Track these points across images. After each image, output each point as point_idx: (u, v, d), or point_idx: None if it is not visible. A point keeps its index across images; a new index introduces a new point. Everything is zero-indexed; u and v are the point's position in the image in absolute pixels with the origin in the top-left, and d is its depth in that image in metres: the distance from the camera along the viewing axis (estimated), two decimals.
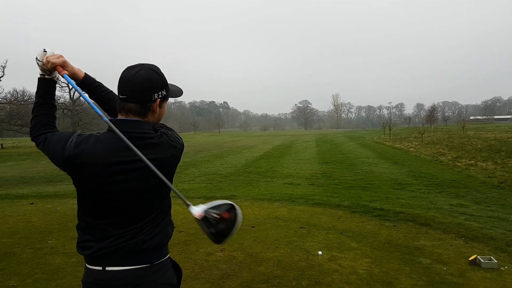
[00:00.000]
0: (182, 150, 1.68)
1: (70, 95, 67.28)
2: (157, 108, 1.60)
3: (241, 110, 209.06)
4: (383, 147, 29.66)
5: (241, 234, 5.57)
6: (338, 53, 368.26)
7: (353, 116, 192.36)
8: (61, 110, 64.39)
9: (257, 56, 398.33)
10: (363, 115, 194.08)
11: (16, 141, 55.04)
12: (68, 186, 11.25)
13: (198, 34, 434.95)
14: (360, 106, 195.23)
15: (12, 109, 48.09)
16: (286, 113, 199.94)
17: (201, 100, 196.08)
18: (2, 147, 40.03)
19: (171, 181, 1.60)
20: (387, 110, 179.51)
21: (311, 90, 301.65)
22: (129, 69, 1.56)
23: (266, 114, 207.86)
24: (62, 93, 68.33)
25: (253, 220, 6.36)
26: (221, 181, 12.35)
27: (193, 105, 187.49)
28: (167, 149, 1.58)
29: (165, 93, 1.62)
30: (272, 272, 4.15)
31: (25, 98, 52.85)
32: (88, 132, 1.59)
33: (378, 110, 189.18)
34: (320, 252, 4.66)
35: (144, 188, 1.53)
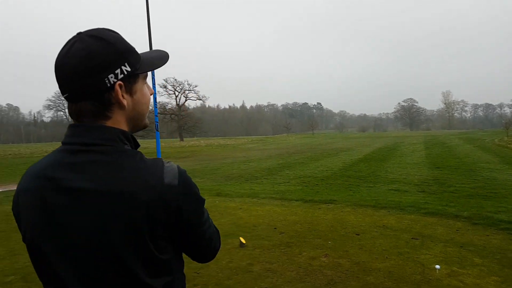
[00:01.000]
0: (171, 197, 0.92)
1: (176, 102, 73.90)
2: (121, 97, 0.96)
3: (336, 110, 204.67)
4: (506, 150, 26.08)
5: (345, 241, 5.43)
6: (447, 45, 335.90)
7: (468, 115, 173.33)
8: (169, 115, 71.12)
9: (353, 54, 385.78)
10: (480, 114, 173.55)
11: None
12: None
13: (289, 34, 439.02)
14: (476, 104, 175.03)
15: None
16: (387, 113, 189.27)
17: (294, 102, 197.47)
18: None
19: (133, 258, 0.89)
20: (510, 108, 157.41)
21: (416, 87, 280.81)
22: (62, 48, 0.95)
23: (364, 114, 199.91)
24: (169, 100, 75.60)
25: (357, 227, 6.15)
26: (317, 184, 12.22)
27: (285, 107, 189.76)
28: (126, 179, 0.89)
29: (128, 69, 0.96)
30: (383, 283, 3.95)
31: None
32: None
33: (499, 109, 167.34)
34: (437, 266, 4.27)
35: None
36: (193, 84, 76.58)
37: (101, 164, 0.90)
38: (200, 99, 78.35)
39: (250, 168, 17.67)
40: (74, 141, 0.93)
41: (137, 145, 1.04)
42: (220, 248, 1.18)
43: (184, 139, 74.23)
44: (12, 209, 1.00)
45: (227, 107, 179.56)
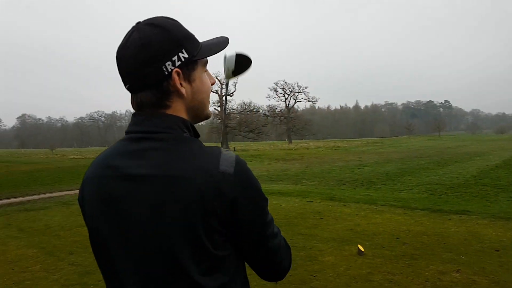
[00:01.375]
0: (230, 185, 0.88)
1: (285, 104, 75.45)
2: (179, 85, 0.95)
3: (467, 109, 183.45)
4: None
5: (481, 256, 4.84)
6: None
7: None
8: (278, 118, 72.98)
9: (488, 46, 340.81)
10: None
11: (243, 145, 65.69)
12: (288, 186, 12.56)
13: (413, 29, 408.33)
14: None
15: (241, 118, 57.80)
16: None
17: (416, 101, 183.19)
18: (235, 150, 48.55)
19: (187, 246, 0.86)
20: None
21: None
22: (122, 40, 0.97)
23: (503, 113, 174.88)
24: (279, 102, 77.55)
25: (496, 243, 5.42)
26: (446, 192, 11.11)
27: (406, 106, 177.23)
28: (182, 164, 0.88)
29: (186, 56, 0.96)
30: None
31: (251, 108, 62.56)
32: None
33: None
34: None
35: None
36: (303, 86, 77.12)
37: (160, 150, 0.91)
38: (310, 101, 78.67)
39: (365, 172, 17.01)
40: (135, 130, 0.96)
41: (197, 135, 1.02)
42: (290, 264, 1.08)
43: (293, 141, 75.23)
44: (78, 198, 1.03)
45: (339, 107, 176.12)
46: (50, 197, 12.03)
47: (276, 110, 74.55)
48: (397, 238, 5.83)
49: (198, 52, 0.99)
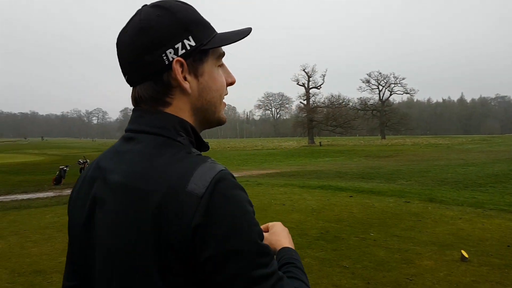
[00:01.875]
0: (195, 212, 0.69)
1: (379, 96, 72.18)
2: (180, 78, 0.81)
3: None
4: None
5: None
6: None
7: None
8: (370, 111, 70.16)
9: None
10: None
11: (330, 140, 64.65)
12: (380, 185, 12.06)
13: None
14: None
15: (328, 112, 56.81)
16: None
17: None
18: (321, 145, 48.05)
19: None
20: None
21: None
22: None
23: None
24: (372, 95, 74.48)
25: None
26: None
27: None
28: (150, 174, 0.75)
29: (193, 44, 0.82)
30: None
31: (340, 101, 61.02)
32: None
33: None
34: None
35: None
36: (400, 76, 72.70)
37: (138, 155, 0.78)
38: (408, 93, 74.18)
39: (470, 172, 15.58)
40: (129, 128, 0.85)
41: (200, 141, 0.87)
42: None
43: (387, 137, 71.76)
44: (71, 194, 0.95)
45: (441, 100, 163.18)
46: None
47: (368, 103, 71.71)
48: (508, 246, 5.29)
49: (209, 40, 0.84)
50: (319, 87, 60.41)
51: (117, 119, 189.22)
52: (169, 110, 0.82)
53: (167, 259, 0.69)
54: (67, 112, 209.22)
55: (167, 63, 0.80)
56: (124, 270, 0.73)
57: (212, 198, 0.69)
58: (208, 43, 0.84)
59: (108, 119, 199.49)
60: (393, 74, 72.81)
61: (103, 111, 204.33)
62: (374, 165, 20.99)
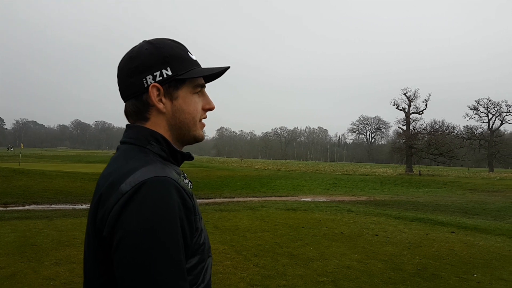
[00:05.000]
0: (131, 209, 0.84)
1: (488, 125, 65.53)
2: (155, 99, 1.01)
3: None
4: None
5: None
6: None
7: None
8: (478, 141, 63.89)
9: None
10: None
11: (431, 169, 60.06)
12: (486, 222, 10.88)
13: None
14: None
15: (430, 139, 52.96)
16: None
17: None
18: (420, 174, 44.94)
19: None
20: None
21: None
22: None
23: None
24: (480, 123, 67.90)
25: None
26: None
27: None
28: (107, 173, 0.96)
29: (170, 73, 1.02)
30: None
31: (444, 129, 56.64)
32: None
33: None
34: None
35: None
36: None
37: (113, 159, 0.99)
38: None
39: None
40: (121, 139, 1.05)
41: (174, 151, 1.03)
42: None
43: (495, 169, 64.39)
44: None
45: None
46: (238, 201, 13.75)
47: (476, 132, 65.40)
48: None
49: (185, 72, 1.03)
50: (421, 113, 56.79)
51: (213, 137, 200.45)
52: (147, 124, 1.03)
53: (101, 245, 0.88)
54: None
55: (146, 86, 1.01)
56: (86, 249, 0.96)
57: (131, 197, 0.83)
58: (183, 74, 1.03)
59: (205, 137, 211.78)
60: (506, 102, 65.53)
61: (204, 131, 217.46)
62: (480, 200, 18.99)
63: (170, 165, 1.00)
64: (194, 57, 1.09)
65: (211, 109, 1.11)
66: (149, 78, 1.01)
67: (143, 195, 0.84)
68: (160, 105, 1.02)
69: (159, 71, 1.01)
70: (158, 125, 1.03)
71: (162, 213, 0.83)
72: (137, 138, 1.01)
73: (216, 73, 1.09)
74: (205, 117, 1.11)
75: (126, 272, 0.80)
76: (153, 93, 1.01)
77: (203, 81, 1.09)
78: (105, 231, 0.85)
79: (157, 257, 0.79)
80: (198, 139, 1.10)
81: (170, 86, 1.02)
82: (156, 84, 1.01)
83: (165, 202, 0.84)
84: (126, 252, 0.80)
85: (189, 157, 1.10)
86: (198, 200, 1.00)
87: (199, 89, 1.07)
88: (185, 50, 1.07)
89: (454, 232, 8.56)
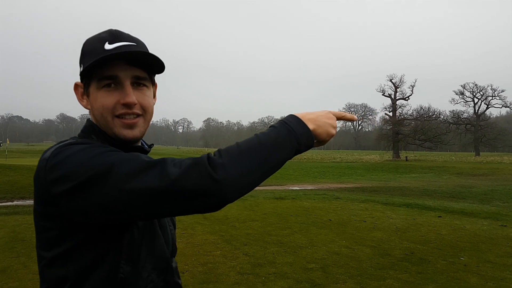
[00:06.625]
0: (43, 176, 0.90)
1: (474, 110, 66.57)
2: (78, 96, 1.07)
3: None
4: None
5: None
6: None
7: None
8: (464, 125, 64.92)
9: None
10: None
11: (417, 155, 60.88)
12: (473, 205, 11.12)
13: None
14: None
15: (416, 125, 53.59)
16: None
17: None
18: (407, 160, 45.50)
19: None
20: None
21: None
22: None
23: None
24: (466, 108, 68.93)
25: None
26: None
27: None
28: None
29: (81, 69, 1.03)
30: None
31: (430, 114, 57.29)
32: None
33: None
34: None
35: None
36: (499, 88, 66.18)
37: None
38: (507, 107, 67.13)
39: None
40: None
41: (111, 140, 1.02)
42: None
43: (481, 153, 65.68)
44: None
45: None
46: None
47: (462, 117, 66.41)
48: None
49: (84, 66, 1.00)
50: (407, 98, 57.27)
51: (200, 128, 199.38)
52: (91, 117, 1.07)
53: (40, 207, 0.93)
54: (157, 121, 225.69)
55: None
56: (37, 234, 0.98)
57: (50, 157, 0.90)
58: (80, 68, 1.03)
59: (192, 128, 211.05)
60: (491, 86, 66.41)
61: (188, 121, 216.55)
62: (466, 184, 19.37)
63: None
64: (112, 46, 0.98)
65: (127, 103, 0.99)
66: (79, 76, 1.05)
67: (61, 151, 0.90)
68: (83, 103, 1.06)
69: (80, 68, 1.03)
70: (93, 120, 1.06)
71: (79, 148, 0.90)
72: (83, 131, 1.06)
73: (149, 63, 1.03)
74: (122, 112, 1.01)
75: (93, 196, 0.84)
76: (76, 90, 1.07)
77: (113, 73, 0.98)
78: (42, 189, 0.91)
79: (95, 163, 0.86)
80: (121, 138, 1.02)
81: (86, 83, 1.03)
82: (77, 82, 1.06)
83: (76, 148, 0.91)
84: (72, 183, 0.85)
85: (141, 150, 1.07)
86: None
87: (106, 81, 0.99)
88: (104, 40, 1.00)
89: (441, 217, 8.73)
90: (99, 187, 0.82)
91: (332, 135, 1.04)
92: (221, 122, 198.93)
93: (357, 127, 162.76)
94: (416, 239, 6.54)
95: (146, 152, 1.09)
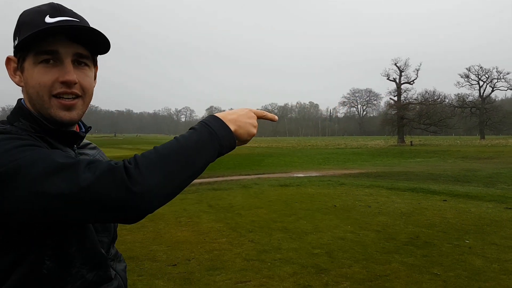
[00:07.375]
0: None
1: (479, 93, 66.04)
2: (10, 72, 0.98)
3: None
4: None
5: None
6: None
7: None
8: (469, 108, 64.49)
9: None
10: None
11: (422, 139, 60.71)
12: (478, 189, 11.12)
13: None
14: None
15: (421, 109, 53.28)
16: None
17: None
18: (412, 144, 45.41)
19: None
20: None
21: None
22: None
23: None
24: (471, 91, 68.33)
25: None
26: None
27: None
28: None
29: (16, 43, 0.94)
30: None
31: (435, 98, 56.85)
32: None
33: None
34: None
35: None
36: (504, 71, 65.43)
37: None
38: None
39: None
40: None
41: (41, 124, 0.93)
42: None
43: (486, 137, 65.36)
44: None
45: None
46: (232, 180, 13.83)
47: (467, 100, 65.91)
48: None
49: (22, 39, 0.89)
50: (411, 82, 56.79)
51: (202, 116, 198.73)
52: (23, 97, 0.98)
53: None
54: (159, 110, 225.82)
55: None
56: None
57: None
58: (15, 41, 0.94)
59: (194, 117, 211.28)
60: (496, 69, 65.68)
61: (190, 109, 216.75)
62: (471, 168, 19.32)
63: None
64: (53, 20, 0.91)
65: (67, 81, 0.92)
66: (13, 49, 0.96)
67: None
68: (15, 79, 0.97)
69: (15, 42, 0.94)
70: (26, 99, 0.97)
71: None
72: (13, 109, 0.98)
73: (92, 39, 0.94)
74: (60, 91, 0.93)
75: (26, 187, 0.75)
76: (8, 65, 0.97)
77: (53, 47, 0.90)
78: None
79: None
80: (57, 119, 0.94)
81: (20, 57, 0.94)
82: (10, 56, 0.97)
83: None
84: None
85: (74, 134, 1.00)
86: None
87: (44, 56, 0.91)
88: (44, 13, 0.92)
89: (446, 200, 8.75)
90: (8, 187, 0.75)
91: (253, 135, 1.03)
92: (224, 110, 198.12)
93: (361, 112, 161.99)
94: (421, 223, 6.57)
95: (81, 138, 1.03)
